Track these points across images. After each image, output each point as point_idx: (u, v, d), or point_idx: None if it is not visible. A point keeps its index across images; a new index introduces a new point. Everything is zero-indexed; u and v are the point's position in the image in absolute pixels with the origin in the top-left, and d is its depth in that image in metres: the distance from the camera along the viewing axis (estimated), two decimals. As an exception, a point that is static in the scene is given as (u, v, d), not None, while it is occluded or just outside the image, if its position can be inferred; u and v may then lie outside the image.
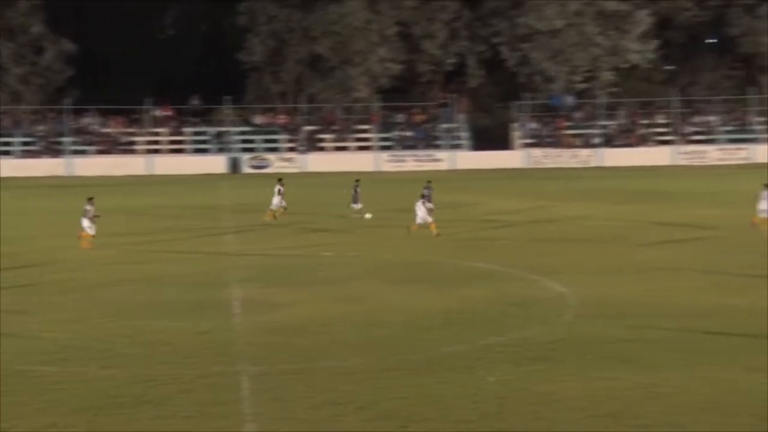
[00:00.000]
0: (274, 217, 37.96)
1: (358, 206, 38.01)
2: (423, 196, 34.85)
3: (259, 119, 71.15)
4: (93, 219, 31.59)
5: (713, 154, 63.71)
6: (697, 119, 67.66)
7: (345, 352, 18.50)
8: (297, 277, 26.85)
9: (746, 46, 67.52)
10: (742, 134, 65.76)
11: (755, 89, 67.25)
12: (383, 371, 17.12)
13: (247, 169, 65.53)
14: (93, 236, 31.39)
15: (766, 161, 60.74)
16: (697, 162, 62.84)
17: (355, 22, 66.89)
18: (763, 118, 66.95)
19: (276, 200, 38.28)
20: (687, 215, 38.27)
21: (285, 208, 38.31)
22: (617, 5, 65.26)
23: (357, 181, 39.15)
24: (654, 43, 66.55)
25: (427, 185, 37.16)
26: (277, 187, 38.45)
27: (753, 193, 35.15)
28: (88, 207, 31.74)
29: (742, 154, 63.22)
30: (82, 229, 31.52)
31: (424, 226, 33.45)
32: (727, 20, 67.76)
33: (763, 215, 33.91)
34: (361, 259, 29.71)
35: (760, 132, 65.91)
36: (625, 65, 67.08)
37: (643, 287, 24.33)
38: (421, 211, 33.79)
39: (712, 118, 67.35)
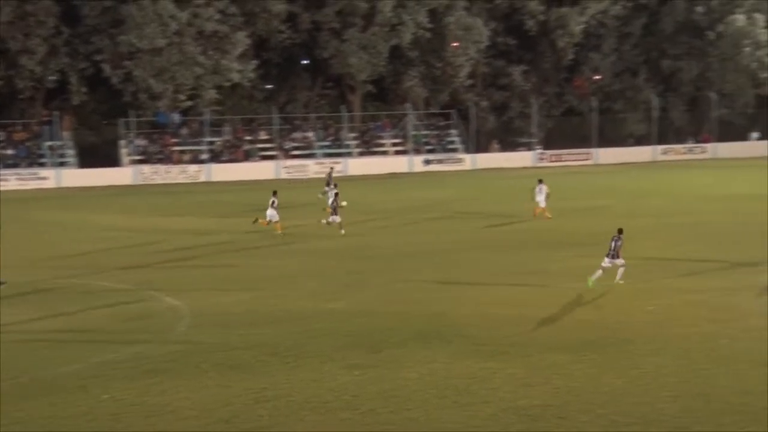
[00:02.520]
0: (267, 224, 37.94)
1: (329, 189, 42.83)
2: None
3: None
4: None
5: (312, 168, 67.35)
6: (296, 135, 71.19)
7: (-51, 382, 17.67)
8: None
9: (336, 67, 72.00)
10: (336, 149, 70.23)
11: (346, 107, 72.13)
12: (-9, 397, 16.60)
13: None
14: None
15: (358, 173, 65.52)
16: (299, 175, 66.11)
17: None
18: (354, 134, 72.04)
19: (270, 212, 37.79)
20: (296, 226, 40.19)
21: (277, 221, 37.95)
22: (216, 26, 66.74)
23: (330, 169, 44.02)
24: (253, 63, 68.93)
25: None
26: (272, 200, 37.97)
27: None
28: None
29: (338, 167, 67.55)
30: None
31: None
32: (318, 43, 71.91)
33: (542, 204, 41.12)
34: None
35: (352, 147, 70.86)
36: (228, 84, 68.85)
37: (251, 296, 25.45)
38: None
39: (310, 134, 71.24)
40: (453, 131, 73.80)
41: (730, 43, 77.10)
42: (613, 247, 26.02)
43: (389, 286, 26.95)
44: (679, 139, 77.81)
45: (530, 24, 75.21)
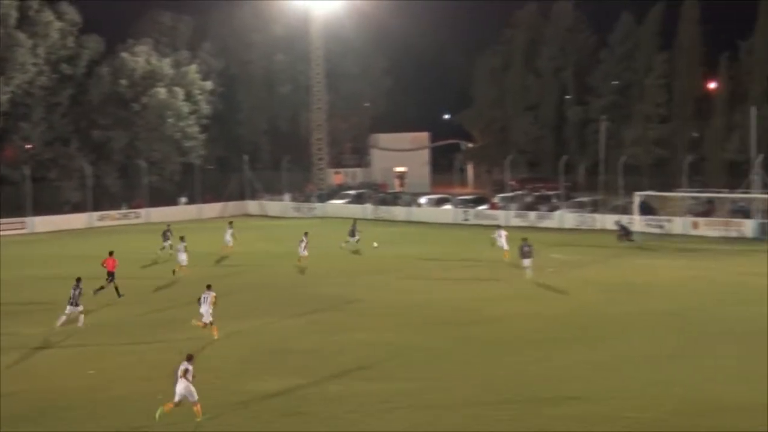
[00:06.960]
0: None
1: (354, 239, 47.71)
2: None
3: None
4: None
5: None
6: None
7: None
8: None
9: None
10: None
11: None
12: None
13: None
14: None
15: None
16: None
17: None
18: None
19: (301, 249, 43.47)
20: None
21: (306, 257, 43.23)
22: None
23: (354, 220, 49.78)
24: None
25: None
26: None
27: None
28: None
29: None
30: None
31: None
32: None
33: (230, 244, 48.76)
34: None
35: None
36: None
37: None
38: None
39: None
40: None
41: (154, 114, 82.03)
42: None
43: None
44: (114, 205, 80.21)
45: (-48, 92, 72.80)
